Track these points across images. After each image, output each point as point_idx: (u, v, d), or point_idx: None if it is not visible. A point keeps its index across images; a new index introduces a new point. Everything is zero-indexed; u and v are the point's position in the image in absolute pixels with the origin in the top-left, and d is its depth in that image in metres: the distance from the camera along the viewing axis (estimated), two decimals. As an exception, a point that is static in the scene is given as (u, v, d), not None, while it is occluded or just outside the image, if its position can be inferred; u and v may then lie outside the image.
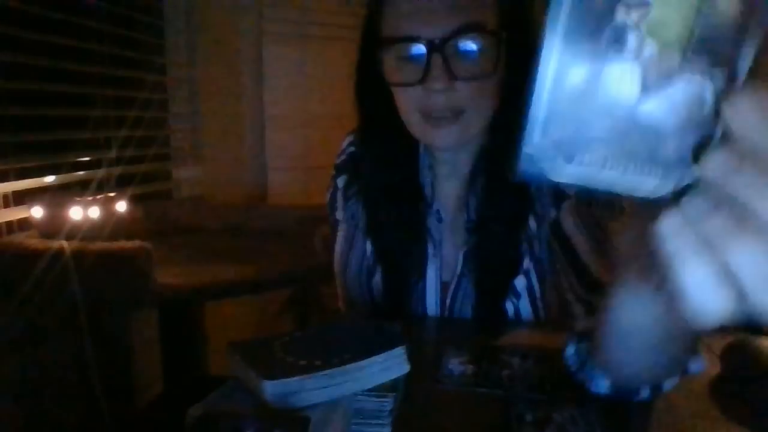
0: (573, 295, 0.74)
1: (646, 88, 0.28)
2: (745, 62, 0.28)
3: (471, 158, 0.81)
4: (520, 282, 0.80)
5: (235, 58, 2.13)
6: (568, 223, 0.75)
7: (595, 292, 0.67)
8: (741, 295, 0.26)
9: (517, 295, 0.81)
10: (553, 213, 0.77)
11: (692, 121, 0.28)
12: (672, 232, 0.28)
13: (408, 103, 0.73)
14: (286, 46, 2.21)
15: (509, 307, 0.81)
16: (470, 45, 0.68)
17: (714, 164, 0.27)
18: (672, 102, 0.28)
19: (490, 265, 0.80)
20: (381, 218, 0.85)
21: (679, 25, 0.28)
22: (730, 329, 0.80)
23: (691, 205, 0.28)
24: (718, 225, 0.27)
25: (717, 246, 0.27)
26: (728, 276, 0.26)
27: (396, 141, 0.82)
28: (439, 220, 0.84)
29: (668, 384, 0.57)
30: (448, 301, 0.83)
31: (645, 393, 0.57)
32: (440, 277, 0.83)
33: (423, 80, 0.68)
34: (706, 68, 0.28)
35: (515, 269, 0.80)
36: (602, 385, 0.57)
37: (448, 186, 0.84)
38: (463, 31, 0.67)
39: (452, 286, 0.83)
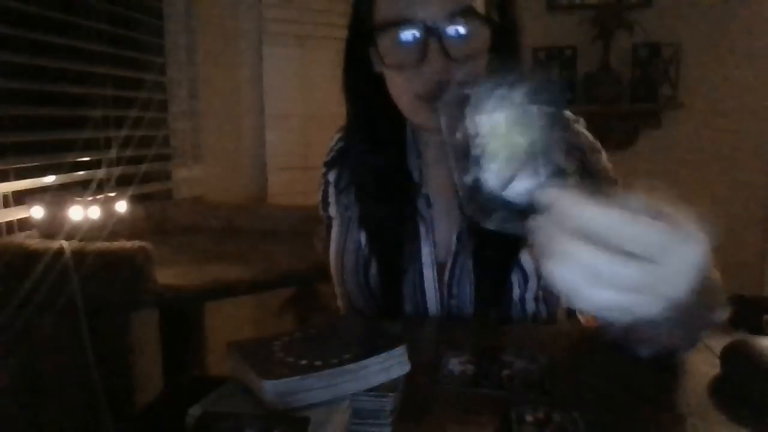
0: None
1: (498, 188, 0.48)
2: (559, 160, 0.47)
3: None
4: (527, 262, 0.81)
5: (235, 58, 2.13)
6: None
7: None
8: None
9: (525, 277, 0.81)
10: None
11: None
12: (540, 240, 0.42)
13: (403, 85, 0.75)
14: (286, 46, 2.21)
15: (515, 292, 0.82)
16: (463, 28, 0.71)
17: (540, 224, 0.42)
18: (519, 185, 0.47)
19: (488, 240, 0.81)
20: (370, 203, 0.87)
21: (518, 140, 0.47)
22: (731, 329, 0.80)
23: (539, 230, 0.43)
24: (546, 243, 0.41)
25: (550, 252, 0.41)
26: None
27: (384, 128, 0.84)
28: (429, 204, 0.85)
29: (700, 337, 0.67)
30: (446, 281, 0.84)
31: (684, 349, 0.67)
32: (435, 258, 0.85)
33: (420, 63, 0.71)
34: (536, 165, 0.47)
35: (516, 244, 0.81)
36: (646, 351, 0.66)
37: (437, 171, 0.86)
38: (458, 14, 0.70)
39: (449, 266, 0.84)
